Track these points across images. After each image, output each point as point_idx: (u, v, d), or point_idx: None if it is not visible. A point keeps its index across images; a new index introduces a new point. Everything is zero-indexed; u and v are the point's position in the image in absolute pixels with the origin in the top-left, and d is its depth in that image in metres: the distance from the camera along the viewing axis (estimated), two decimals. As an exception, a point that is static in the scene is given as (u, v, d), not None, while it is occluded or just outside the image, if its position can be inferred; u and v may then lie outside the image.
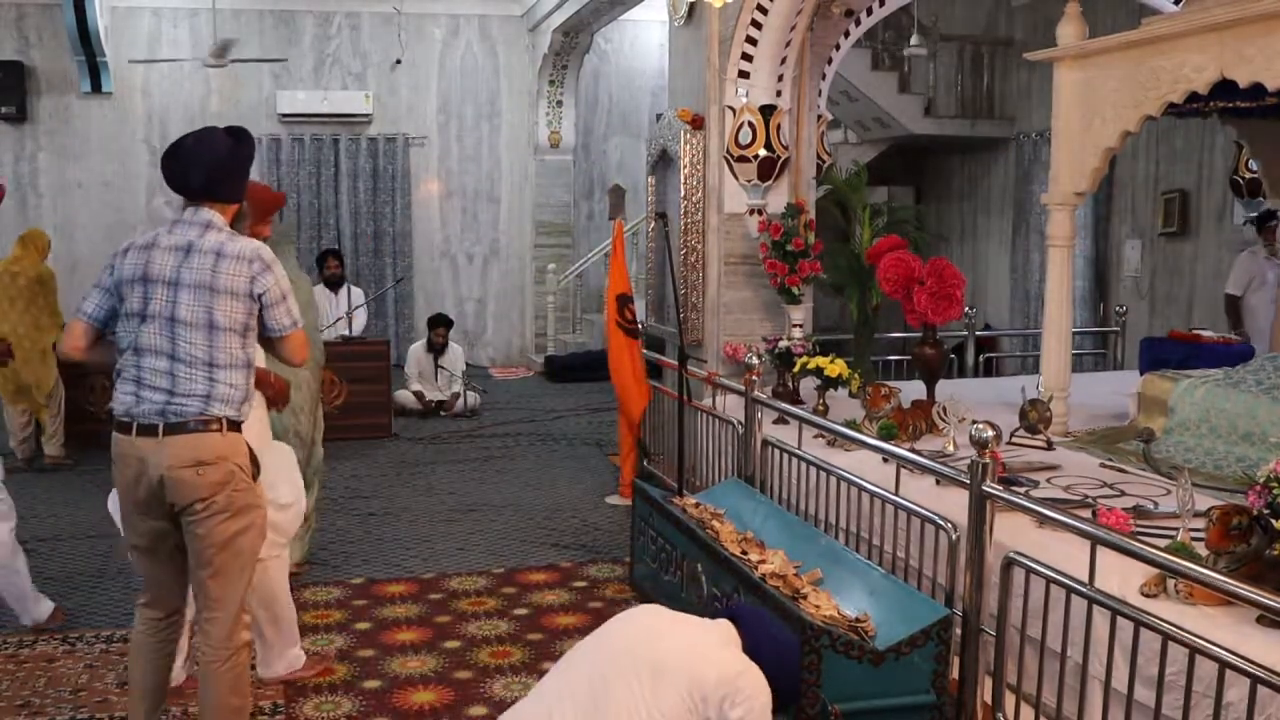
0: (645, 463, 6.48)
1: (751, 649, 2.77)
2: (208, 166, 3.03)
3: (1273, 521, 2.86)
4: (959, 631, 3.39)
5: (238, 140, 3.13)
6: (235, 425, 3.05)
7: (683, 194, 6.38)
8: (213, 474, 2.98)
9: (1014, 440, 4.66)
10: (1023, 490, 3.73)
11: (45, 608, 4.50)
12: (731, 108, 6.03)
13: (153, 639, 3.24)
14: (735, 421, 5.20)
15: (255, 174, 12.13)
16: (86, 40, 10.37)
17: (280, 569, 3.90)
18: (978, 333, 8.15)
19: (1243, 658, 2.48)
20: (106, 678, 4.04)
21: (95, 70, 10.76)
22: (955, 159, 11.76)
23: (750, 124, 5.90)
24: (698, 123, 6.33)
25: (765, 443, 4.93)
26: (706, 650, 2.71)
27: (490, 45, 12.04)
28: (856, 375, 5.32)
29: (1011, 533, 3.39)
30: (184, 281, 2.99)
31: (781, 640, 2.95)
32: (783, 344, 5.71)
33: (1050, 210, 4.92)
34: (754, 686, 2.66)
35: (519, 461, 7.62)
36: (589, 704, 2.60)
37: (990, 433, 3.32)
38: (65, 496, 6.64)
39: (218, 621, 3.10)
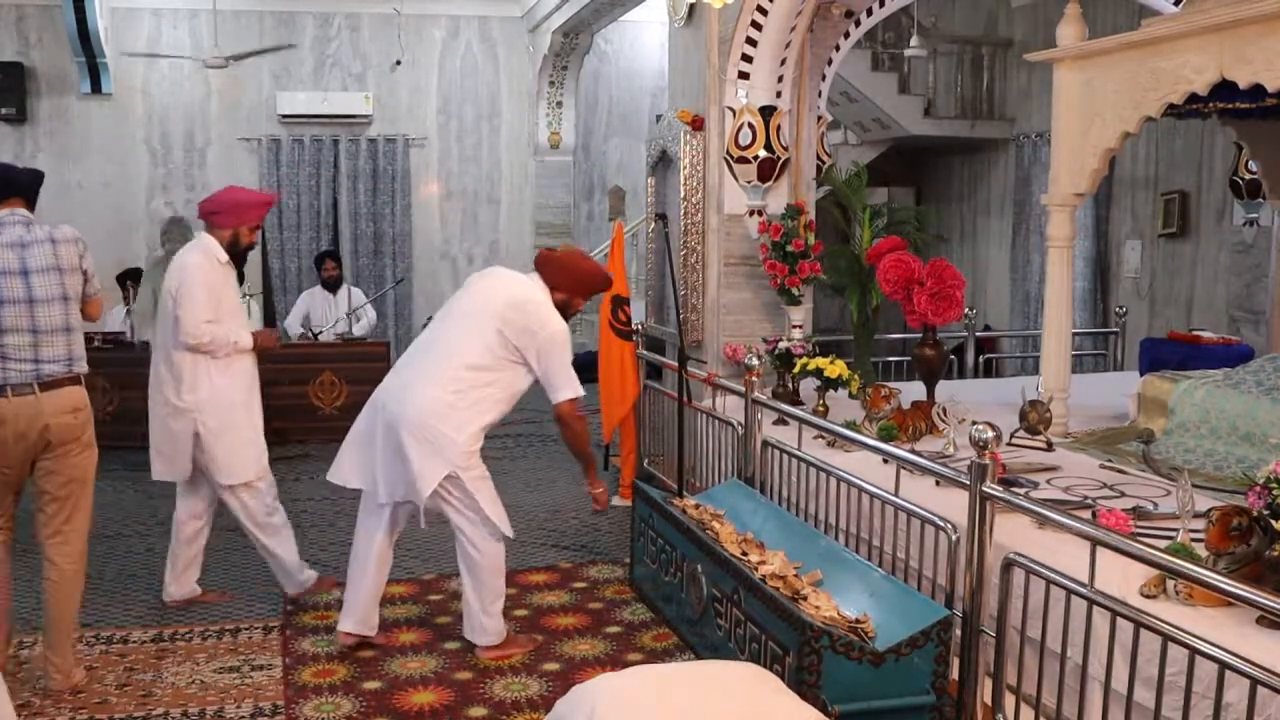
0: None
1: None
2: (6, 177, 3.82)
3: (1272, 522, 2.86)
4: (959, 632, 3.39)
5: (18, 167, 3.99)
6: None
7: (682, 195, 6.38)
8: (83, 416, 3.85)
9: (1014, 441, 4.66)
10: (1023, 491, 3.73)
11: (309, 576, 4.89)
12: (731, 108, 6.02)
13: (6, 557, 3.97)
14: (735, 422, 5.20)
15: (255, 175, 12.19)
16: (86, 41, 10.36)
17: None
18: (977, 334, 8.16)
19: (1242, 659, 2.48)
20: (106, 679, 4.05)
21: (95, 71, 10.74)
22: (955, 160, 11.76)
23: (750, 125, 5.90)
24: (698, 124, 6.33)
25: (765, 444, 4.93)
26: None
27: (490, 46, 12.04)
28: (856, 376, 5.32)
29: (1011, 533, 3.39)
30: (33, 269, 3.71)
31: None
32: (783, 345, 5.71)
33: (1050, 211, 4.92)
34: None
35: (519, 463, 7.62)
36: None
37: (990, 434, 3.32)
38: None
39: (77, 536, 3.97)
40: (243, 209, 4.58)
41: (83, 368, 3.84)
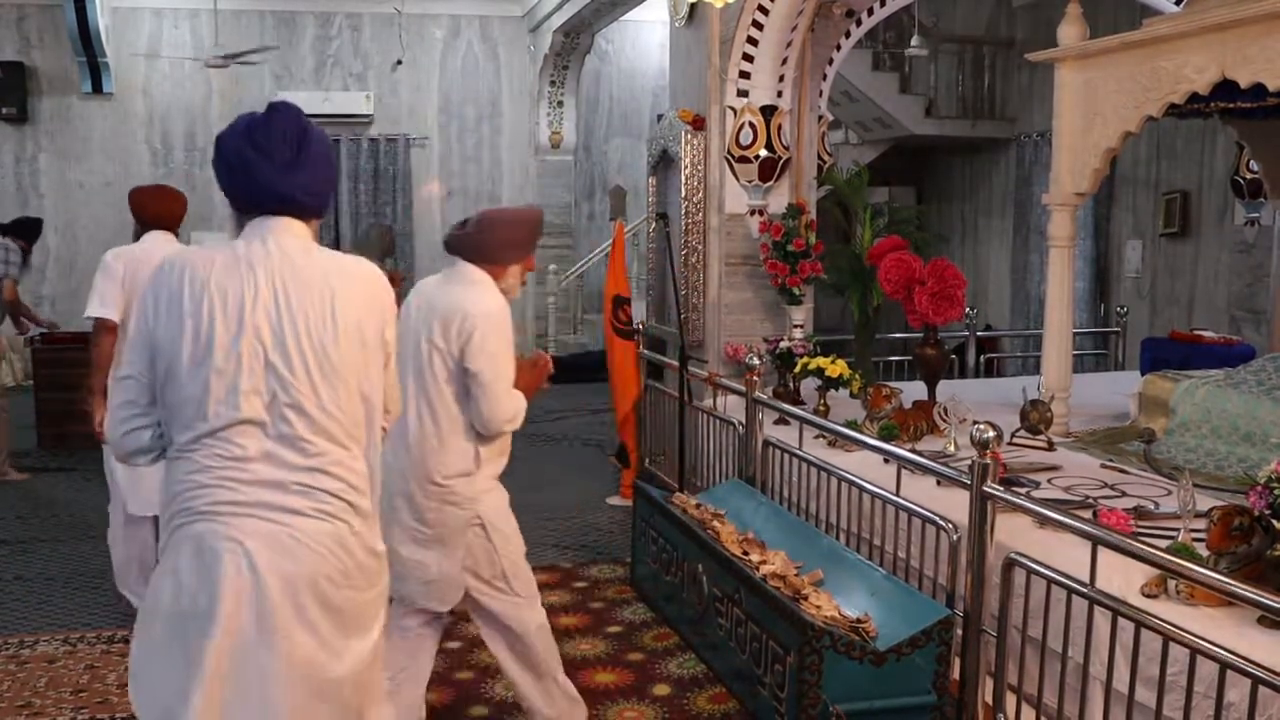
0: (647, 463, 6.50)
1: None
2: None
3: (1274, 522, 2.86)
4: (960, 632, 3.39)
5: None
6: None
7: (683, 194, 6.37)
8: None
9: (1015, 441, 4.66)
10: (1024, 491, 3.73)
11: None
12: (732, 108, 6.02)
13: None
14: (736, 422, 5.20)
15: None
16: (87, 41, 10.38)
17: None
18: (978, 333, 8.15)
19: (1244, 658, 2.48)
20: (107, 678, 4.04)
21: (96, 71, 10.76)
22: (956, 160, 11.76)
23: (751, 124, 5.90)
24: (698, 123, 6.33)
25: (766, 443, 4.92)
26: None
27: (491, 46, 12.04)
28: (857, 376, 5.32)
29: (1012, 533, 3.39)
30: None
31: None
32: (784, 345, 5.71)
33: (1051, 211, 4.92)
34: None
35: (519, 462, 7.52)
36: None
37: (991, 433, 3.32)
38: (67, 497, 6.64)
39: None
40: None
41: None
